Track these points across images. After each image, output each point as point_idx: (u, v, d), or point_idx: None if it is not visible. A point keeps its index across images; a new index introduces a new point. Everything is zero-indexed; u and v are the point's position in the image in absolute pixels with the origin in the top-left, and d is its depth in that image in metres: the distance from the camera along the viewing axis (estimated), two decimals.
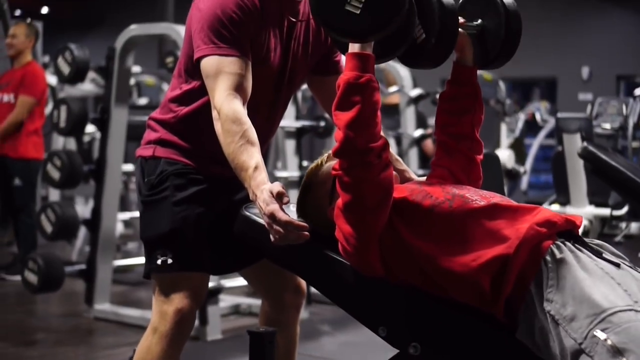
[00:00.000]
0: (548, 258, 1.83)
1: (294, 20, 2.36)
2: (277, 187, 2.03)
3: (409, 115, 6.55)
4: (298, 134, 5.29)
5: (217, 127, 2.17)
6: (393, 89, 6.67)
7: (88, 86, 7.59)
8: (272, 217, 1.99)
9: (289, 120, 5.13)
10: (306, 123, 5.47)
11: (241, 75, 2.20)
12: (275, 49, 2.33)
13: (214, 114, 2.19)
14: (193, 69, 2.32)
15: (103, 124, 4.90)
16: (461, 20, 2.17)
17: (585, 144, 4.65)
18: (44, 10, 15.68)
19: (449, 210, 1.98)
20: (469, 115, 2.25)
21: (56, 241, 5.13)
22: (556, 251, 1.84)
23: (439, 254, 1.94)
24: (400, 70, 6.63)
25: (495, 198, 2.02)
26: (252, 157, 2.10)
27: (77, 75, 4.83)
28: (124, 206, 7.10)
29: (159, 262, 2.36)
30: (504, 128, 8.32)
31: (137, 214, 5.99)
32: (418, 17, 2.05)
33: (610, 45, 13.87)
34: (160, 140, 2.42)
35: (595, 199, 6.19)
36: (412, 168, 4.75)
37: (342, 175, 1.98)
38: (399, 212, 2.02)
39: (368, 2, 1.91)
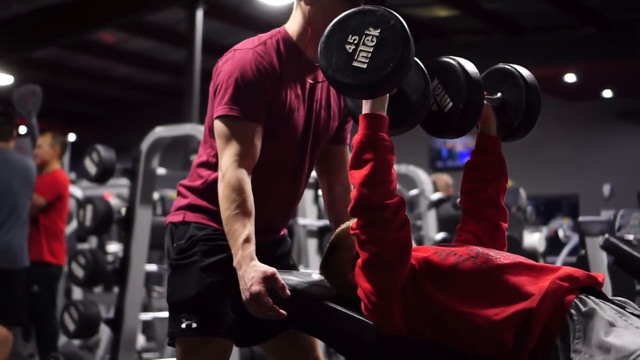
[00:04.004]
0: (573, 311, 1.86)
1: (313, 82, 2.42)
2: (271, 270, 2.14)
3: (430, 219, 6.58)
4: (320, 233, 5.31)
5: (220, 187, 2.25)
6: (413, 192, 6.72)
7: None
8: (257, 297, 2.12)
9: (310, 220, 5.16)
10: (328, 222, 5.47)
11: (250, 141, 2.26)
12: (298, 109, 2.38)
13: (219, 174, 2.26)
14: None
15: (127, 224, 4.96)
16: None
17: (607, 235, 4.64)
18: (72, 137, 16.15)
19: (472, 266, 2.01)
20: (495, 183, 2.29)
21: (78, 339, 5.11)
22: (580, 304, 1.87)
23: (462, 307, 1.96)
24: (420, 175, 6.70)
25: (519, 258, 2.05)
26: (245, 227, 2.19)
27: (103, 175, 4.93)
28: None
29: (183, 325, 2.36)
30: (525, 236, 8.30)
31: (159, 314, 5.97)
32: (444, 85, 2.14)
33: (630, 163, 13.93)
34: (190, 206, 2.45)
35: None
36: None
37: (360, 233, 2.02)
38: (422, 269, 2.04)
39: (374, 57, 1.96)
